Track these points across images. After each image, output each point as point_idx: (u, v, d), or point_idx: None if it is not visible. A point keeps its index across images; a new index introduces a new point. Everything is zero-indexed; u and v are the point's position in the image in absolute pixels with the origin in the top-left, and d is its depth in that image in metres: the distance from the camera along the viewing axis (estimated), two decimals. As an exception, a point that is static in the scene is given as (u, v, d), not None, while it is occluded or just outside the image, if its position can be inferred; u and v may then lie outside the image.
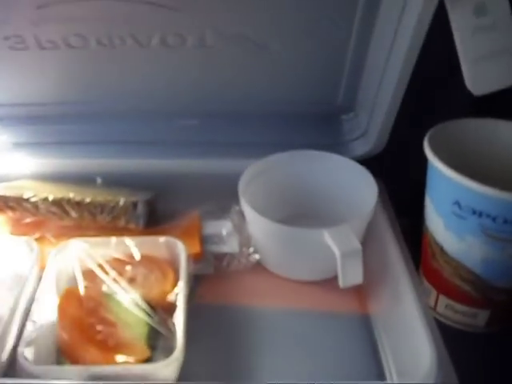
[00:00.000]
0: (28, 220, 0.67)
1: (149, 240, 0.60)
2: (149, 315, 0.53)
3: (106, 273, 0.56)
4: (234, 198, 0.65)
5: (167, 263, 0.59)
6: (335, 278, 0.57)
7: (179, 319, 0.51)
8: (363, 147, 0.72)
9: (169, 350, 0.49)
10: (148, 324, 0.53)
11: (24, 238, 0.60)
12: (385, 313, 0.57)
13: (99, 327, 0.51)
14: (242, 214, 0.65)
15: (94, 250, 0.58)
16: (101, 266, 0.57)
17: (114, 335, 0.50)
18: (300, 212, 0.65)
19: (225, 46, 0.65)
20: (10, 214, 0.66)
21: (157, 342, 0.52)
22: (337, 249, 0.55)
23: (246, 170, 0.64)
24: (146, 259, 0.59)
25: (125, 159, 0.71)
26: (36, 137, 0.75)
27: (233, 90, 0.71)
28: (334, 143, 0.72)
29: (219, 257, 0.63)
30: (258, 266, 0.63)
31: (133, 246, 0.59)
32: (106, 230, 0.64)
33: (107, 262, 0.58)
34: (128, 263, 0.58)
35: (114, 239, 0.59)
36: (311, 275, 0.63)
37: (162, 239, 0.60)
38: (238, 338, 0.56)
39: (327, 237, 0.56)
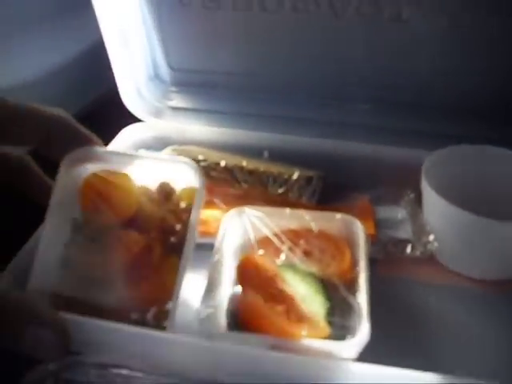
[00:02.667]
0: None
1: (324, 215, 0.54)
2: (327, 291, 0.47)
3: (282, 243, 0.50)
4: (404, 186, 0.58)
5: (343, 241, 0.52)
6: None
7: (362, 299, 0.45)
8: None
9: (344, 328, 0.44)
10: (327, 300, 0.47)
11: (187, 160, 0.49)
12: None
13: (279, 297, 0.44)
14: (415, 202, 0.57)
15: (268, 218, 0.53)
16: (276, 236, 0.51)
17: (295, 308, 0.44)
18: (478, 209, 0.57)
19: (419, 22, 0.60)
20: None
21: (333, 319, 0.46)
22: None
23: (429, 156, 0.58)
24: (322, 234, 0.53)
25: (296, 136, 0.65)
26: (211, 105, 0.71)
27: (417, 77, 0.64)
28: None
29: (392, 242, 0.55)
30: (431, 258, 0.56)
31: (309, 219, 0.51)
32: (275, 202, 0.58)
33: (282, 232, 0.52)
34: (303, 236, 0.52)
35: (288, 210, 0.54)
36: (487, 273, 0.55)
37: (338, 216, 0.53)
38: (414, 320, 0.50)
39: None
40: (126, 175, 0.48)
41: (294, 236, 0.52)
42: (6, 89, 0.65)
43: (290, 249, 0.50)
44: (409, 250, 0.55)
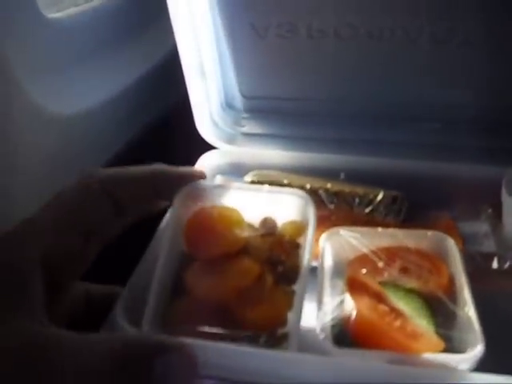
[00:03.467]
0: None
1: (416, 233, 0.55)
2: (431, 306, 0.49)
3: (379, 260, 0.52)
4: (481, 203, 0.60)
5: (438, 256, 0.54)
6: None
7: (471, 312, 0.47)
8: None
9: (456, 342, 0.46)
10: (433, 315, 0.48)
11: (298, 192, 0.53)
12: None
13: (391, 314, 0.46)
14: (495, 217, 0.59)
15: (362, 238, 0.54)
16: (374, 254, 0.52)
17: (409, 324, 0.45)
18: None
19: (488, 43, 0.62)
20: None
21: (443, 333, 0.47)
22: None
23: (508, 171, 0.59)
24: (417, 251, 0.54)
25: (369, 157, 0.66)
26: (283, 130, 0.73)
27: (485, 95, 0.65)
28: None
29: (480, 255, 0.56)
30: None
31: (402, 237, 0.53)
32: (361, 222, 0.60)
33: (377, 250, 0.54)
34: (398, 254, 0.54)
35: (380, 229, 0.55)
36: None
37: (430, 233, 0.55)
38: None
39: None
40: (235, 210, 0.50)
41: (390, 254, 0.53)
42: (75, 114, 0.68)
43: (388, 266, 0.52)
44: (495, 263, 0.56)
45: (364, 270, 0.52)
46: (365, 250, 0.53)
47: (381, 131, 0.69)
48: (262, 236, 0.50)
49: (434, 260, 0.54)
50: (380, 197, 0.60)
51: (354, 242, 0.54)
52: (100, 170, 0.49)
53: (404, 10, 0.61)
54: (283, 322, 0.45)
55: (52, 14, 0.69)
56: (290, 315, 0.45)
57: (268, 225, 0.51)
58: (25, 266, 0.40)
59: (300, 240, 0.50)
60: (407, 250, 0.54)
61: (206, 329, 0.45)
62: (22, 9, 0.60)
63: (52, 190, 0.47)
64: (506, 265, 0.55)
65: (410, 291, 0.51)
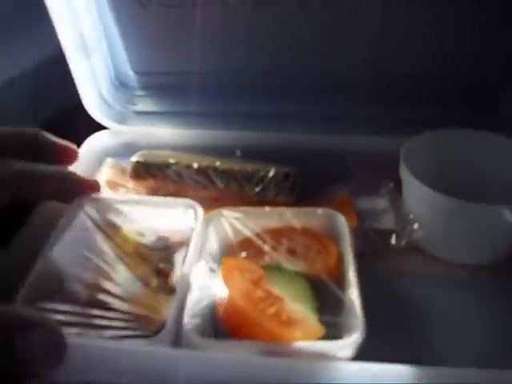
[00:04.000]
0: (169, 189, 0.58)
1: (305, 211, 0.51)
2: (316, 290, 0.45)
3: (264, 243, 0.47)
4: (382, 176, 0.56)
5: (327, 236, 0.50)
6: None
7: (355, 296, 0.42)
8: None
9: (338, 327, 0.42)
10: (317, 299, 0.44)
11: (187, 200, 0.52)
12: None
13: (268, 301, 0.41)
14: (395, 191, 0.55)
15: (247, 219, 0.50)
16: (257, 236, 0.48)
17: (286, 310, 0.41)
18: (459, 194, 0.55)
19: (377, 8, 0.59)
20: (152, 182, 0.58)
21: (325, 318, 0.43)
22: None
23: (405, 143, 0.56)
24: (305, 231, 0.50)
25: (266, 133, 0.62)
26: (176, 107, 0.69)
27: (383, 62, 0.63)
28: (491, 121, 0.62)
29: (376, 233, 0.53)
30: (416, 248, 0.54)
31: (289, 216, 0.49)
32: (252, 201, 0.55)
33: (263, 232, 0.49)
34: (285, 234, 0.50)
35: (267, 209, 0.51)
36: (475, 258, 0.53)
37: (319, 211, 0.51)
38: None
39: (509, 215, 0.47)
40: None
41: (276, 235, 0.50)
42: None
43: (273, 248, 0.48)
44: (393, 240, 0.52)
45: (244, 254, 0.47)
46: (249, 233, 0.49)
47: (276, 105, 0.65)
48: (154, 246, 0.52)
49: (323, 239, 0.50)
50: (271, 174, 0.55)
51: (237, 224, 0.49)
52: None
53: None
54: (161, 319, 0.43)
55: None
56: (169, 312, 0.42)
57: (159, 242, 0.52)
58: None
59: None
60: (294, 230, 0.50)
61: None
62: None
63: None
64: (403, 242, 0.52)
65: (295, 275, 0.46)
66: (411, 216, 0.53)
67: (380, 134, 0.60)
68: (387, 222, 0.54)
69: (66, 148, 0.53)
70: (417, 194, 0.52)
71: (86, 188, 0.51)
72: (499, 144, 0.57)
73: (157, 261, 0.50)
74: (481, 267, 0.53)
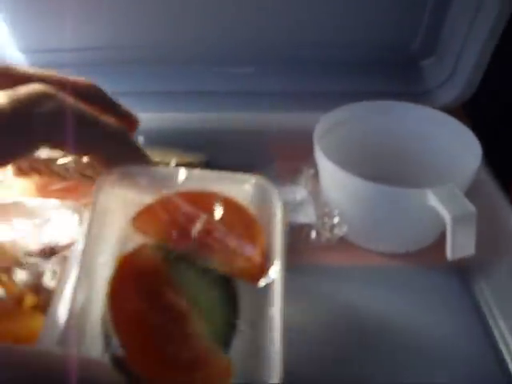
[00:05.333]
0: (57, 186, 0.50)
1: (230, 178, 0.35)
2: (229, 298, 0.33)
3: (171, 227, 0.33)
4: (301, 159, 0.49)
5: (255, 220, 0.34)
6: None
7: (276, 314, 0.31)
8: (448, 95, 0.57)
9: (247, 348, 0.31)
10: (234, 310, 0.33)
11: (71, 203, 0.44)
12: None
13: (168, 328, 0.32)
14: (316, 179, 0.49)
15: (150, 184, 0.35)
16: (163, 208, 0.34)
17: (188, 344, 0.31)
18: (381, 171, 0.49)
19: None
20: (36, 177, 0.49)
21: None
22: (447, 212, 0.41)
23: (320, 120, 0.49)
24: (229, 205, 0.34)
25: (169, 113, 0.54)
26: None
27: (298, 31, 0.55)
28: (415, 91, 0.58)
29: (294, 228, 0.46)
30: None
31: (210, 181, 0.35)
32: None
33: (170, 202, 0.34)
34: (203, 206, 0.34)
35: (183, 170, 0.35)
36: (401, 247, 0.49)
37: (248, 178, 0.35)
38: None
39: (433, 198, 0.42)
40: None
41: (187, 216, 0.34)
42: None
43: (184, 230, 0.33)
44: (313, 235, 0.46)
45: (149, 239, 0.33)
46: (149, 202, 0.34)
47: (179, 81, 0.57)
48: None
49: (251, 223, 0.34)
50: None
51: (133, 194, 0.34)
52: None
53: None
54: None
55: None
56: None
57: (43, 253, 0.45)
58: None
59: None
60: (215, 200, 0.34)
61: None
62: None
63: None
64: (323, 237, 0.45)
65: (210, 277, 0.33)
66: (332, 208, 0.46)
67: (297, 110, 0.54)
68: (307, 214, 0.48)
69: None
70: (333, 179, 0.47)
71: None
72: (421, 114, 0.52)
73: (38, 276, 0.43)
74: (403, 255, 0.49)
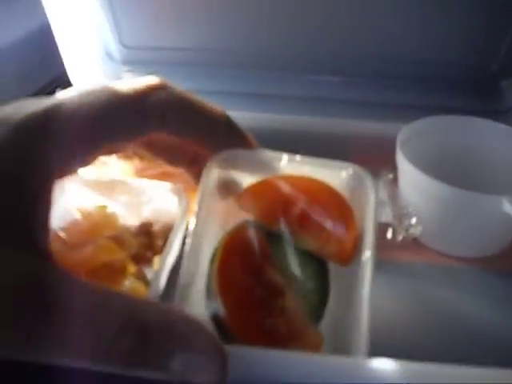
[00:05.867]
0: (155, 170, 0.55)
1: (326, 164, 0.38)
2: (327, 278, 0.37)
3: (272, 207, 0.37)
4: (381, 166, 0.52)
5: (348, 206, 0.37)
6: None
7: (365, 294, 0.34)
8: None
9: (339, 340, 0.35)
10: (324, 290, 0.36)
11: (171, 185, 0.49)
12: None
13: (268, 304, 0.35)
14: (394, 183, 0.52)
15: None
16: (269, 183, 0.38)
17: (286, 317, 0.35)
18: (456, 181, 0.52)
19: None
20: (137, 162, 0.54)
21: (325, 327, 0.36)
22: None
23: (403, 128, 0.53)
24: (323, 191, 0.38)
25: (263, 113, 0.59)
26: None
27: (385, 46, 0.59)
28: (492, 109, 0.60)
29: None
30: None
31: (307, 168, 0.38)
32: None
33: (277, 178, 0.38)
34: (302, 191, 0.37)
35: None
36: (472, 250, 0.52)
37: (345, 166, 0.38)
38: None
39: (507, 205, 0.45)
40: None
41: (291, 188, 0.38)
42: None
43: (285, 210, 0.37)
44: (390, 234, 0.49)
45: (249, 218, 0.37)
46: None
47: (276, 85, 0.62)
48: (135, 235, 0.48)
49: (345, 210, 0.37)
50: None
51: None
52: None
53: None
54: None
55: None
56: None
57: (143, 228, 0.50)
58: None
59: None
60: (312, 187, 0.37)
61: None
62: None
63: None
64: (400, 237, 0.49)
65: (306, 256, 0.37)
66: (409, 209, 0.50)
67: (379, 119, 0.57)
68: (385, 215, 0.51)
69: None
70: (413, 182, 0.50)
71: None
72: (498, 132, 0.55)
73: (136, 247, 0.47)
74: (479, 259, 0.51)
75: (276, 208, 0.37)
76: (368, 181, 0.38)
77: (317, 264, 0.37)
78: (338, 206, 0.38)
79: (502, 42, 0.58)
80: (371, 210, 0.37)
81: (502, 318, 0.46)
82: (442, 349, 0.44)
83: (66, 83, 0.63)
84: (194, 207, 0.37)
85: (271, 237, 0.37)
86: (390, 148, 0.52)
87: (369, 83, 0.61)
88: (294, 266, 0.36)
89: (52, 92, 0.68)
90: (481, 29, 0.58)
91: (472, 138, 0.55)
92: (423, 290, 0.49)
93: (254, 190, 0.38)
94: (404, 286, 0.49)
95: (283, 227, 0.37)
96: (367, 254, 0.35)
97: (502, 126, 0.55)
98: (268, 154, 0.39)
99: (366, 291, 0.34)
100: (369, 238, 0.36)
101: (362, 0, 0.56)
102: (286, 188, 0.38)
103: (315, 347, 0.35)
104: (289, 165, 0.38)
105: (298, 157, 0.38)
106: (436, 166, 0.53)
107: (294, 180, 0.38)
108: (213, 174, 0.38)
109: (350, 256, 0.36)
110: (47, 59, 0.65)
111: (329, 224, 0.37)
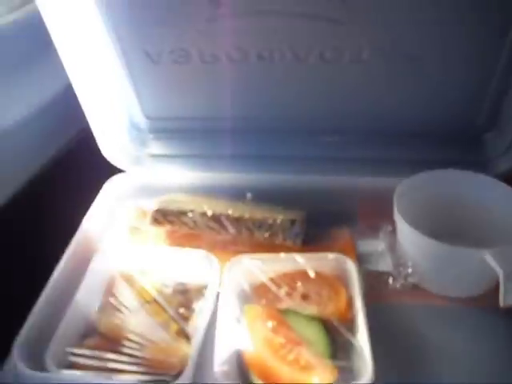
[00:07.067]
0: (183, 232, 0.64)
1: (317, 256, 0.57)
2: (329, 332, 0.51)
3: (279, 288, 0.55)
4: (381, 217, 0.62)
5: (337, 280, 0.56)
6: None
7: (363, 339, 0.48)
8: (506, 165, 0.67)
9: (349, 370, 0.48)
10: (331, 343, 0.50)
11: (203, 252, 0.59)
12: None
13: (288, 346, 0.48)
14: (393, 235, 0.61)
15: (265, 265, 0.56)
16: (273, 281, 0.55)
17: (303, 354, 0.48)
18: (448, 229, 0.60)
19: (379, 61, 0.63)
20: (168, 227, 0.63)
21: (338, 362, 0.49)
22: (499, 269, 0.51)
23: (398, 186, 0.61)
24: (317, 276, 0.56)
25: (273, 174, 0.68)
26: (189, 150, 0.74)
27: (379, 107, 0.67)
28: (476, 160, 0.67)
29: (374, 275, 0.59)
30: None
31: (302, 261, 0.56)
32: (261, 246, 0.62)
33: (279, 277, 0.56)
34: (299, 279, 0.56)
35: (282, 255, 0.57)
36: (462, 292, 0.59)
37: (331, 256, 0.57)
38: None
39: (489, 258, 0.52)
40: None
41: (291, 280, 0.56)
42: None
43: (289, 294, 0.54)
44: (390, 281, 0.58)
45: (264, 301, 0.54)
46: (266, 279, 0.55)
47: (280, 147, 0.70)
48: (173, 293, 0.58)
49: (334, 284, 0.55)
50: (279, 221, 0.61)
51: (256, 270, 0.55)
52: None
53: (292, 32, 0.60)
54: (181, 362, 0.50)
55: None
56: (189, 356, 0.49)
57: (178, 289, 0.59)
58: None
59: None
60: (307, 274, 0.56)
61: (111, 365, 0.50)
62: None
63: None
64: (399, 284, 0.57)
65: (310, 318, 0.52)
66: (406, 260, 0.58)
67: (382, 175, 0.65)
68: (385, 264, 0.60)
69: None
70: (408, 237, 0.58)
71: None
72: (483, 183, 0.62)
73: (175, 307, 0.56)
74: (465, 298, 0.59)
75: (283, 291, 0.56)
76: (349, 262, 0.57)
77: (321, 323, 0.52)
78: (330, 283, 0.56)
79: (484, 100, 0.66)
80: (356, 281, 0.54)
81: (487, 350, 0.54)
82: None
83: (90, 137, 0.70)
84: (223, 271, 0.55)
85: (285, 311, 0.53)
86: (389, 201, 0.60)
87: (364, 141, 0.69)
88: (305, 326, 0.52)
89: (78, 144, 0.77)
90: (465, 89, 0.65)
91: (461, 189, 0.63)
92: (419, 327, 0.56)
93: (266, 283, 0.57)
94: (402, 326, 0.56)
95: (291, 304, 0.54)
96: (359, 312, 0.51)
97: (486, 178, 0.62)
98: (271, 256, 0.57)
99: (364, 337, 0.49)
100: (358, 302, 0.52)
101: (358, 68, 0.63)
102: (288, 279, 0.57)
103: (330, 379, 0.47)
104: (288, 262, 0.57)
105: (297, 256, 0.57)
106: (430, 216, 0.61)
107: (293, 273, 0.57)
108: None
109: (346, 313, 0.53)
110: (72, 115, 0.73)
111: (325, 296, 0.55)
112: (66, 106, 0.75)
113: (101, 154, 0.72)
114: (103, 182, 0.72)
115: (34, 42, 0.78)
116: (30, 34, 0.77)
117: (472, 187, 0.63)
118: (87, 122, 0.69)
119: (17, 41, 0.78)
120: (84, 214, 0.68)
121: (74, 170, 0.75)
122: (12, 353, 0.51)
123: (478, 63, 0.62)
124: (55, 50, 0.63)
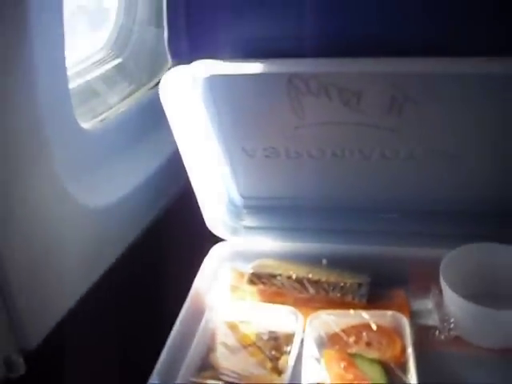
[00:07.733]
0: (273, 291, 0.83)
1: (379, 313, 0.74)
2: (387, 373, 0.67)
3: (349, 337, 0.72)
4: (430, 280, 0.78)
5: (394, 332, 0.72)
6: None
7: (413, 379, 0.65)
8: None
9: None
10: (389, 380, 0.66)
11: (290, 308, 0.77)
12: None
13: (355, 381, 0.65)
14: (440, 296, 0.77)
15: (338, 319, 0.74)
16: (344, 332, 0.72)
17: None
18: (489, 295, 0.76)
19: (427, 158, 0.80)
20: (261, 287, 0.82)
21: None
22: None
23: (445, 257, 0.77)
24: (378, 327, 0.73)
25: (343, 245, 0.86)
26: (276, 223, 0.93)
27: (428, 193, 0.85)
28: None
29: (423, 329, 0.75)
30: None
31: (367, 317, 0.73)
32: (334, 304, 0.79)
33: (348, 328, 0.73)
34: (364, 330, 0.73)
35: (352, 311, 0.75)
36: (500, 343, 0.73)
37: (389, 313, 0.74)
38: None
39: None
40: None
41: (358, 331, 0.73)
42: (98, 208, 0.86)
43: (356, 342, 0.71)
44: (437, 334, 0.74)
45: (337, 347, 0.71)
46: (338, 330, 0.73)
47: (352, 222, 0.88)
48: (268, 339, 0.75)
49: (391, 335, 0.72)
50: (348, 284, 0.78)
51: (331, 323, 0.73)
52: None
53: (359, 136, 0.79)
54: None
55: (87, 121, 0.90)
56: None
57: (271, 336, 0.75)
58: None
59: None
60: (371, 327, 0.73)
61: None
62: (63, 122, 0.80)
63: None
64: (443, 336, 0.74)
65: (372, 361, 0.69)
66: (450, 316, 0.74)
67: (431, 246, 0.81)
68: (433, 319, 0.76)
69: None
70: (453, 301, 0.74)
71: None
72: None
73: (269, 349, 0.73)
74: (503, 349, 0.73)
75: (350, 340, 0.72)
76: (404, 319, 0.73)
77: (381, 365, 0.68)
78: (388, 335, 0.72)
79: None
80: (408, 334, 0.70)
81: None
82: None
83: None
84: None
85: (353, 355, 0.69)
86: (437, 267, 0.76)
87: (416, 218, 0.85)
88: (369, 368, 0.68)
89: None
90: (504, 176, 0.81)
91: (498, 261, 0.79)
92: (460, 372, 0.71)
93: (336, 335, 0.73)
94: (446, 370, 0.71)
95: (358, 349, 0.71)
96: (411, 355, 0.67)
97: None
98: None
99: (414, 378, 0.64)
100: (410, 348, 0.68)
101: (411, 163, 0.81)
102: (355, 330, 0.74)
103: None
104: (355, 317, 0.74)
105: (362, 312, 0.73)
106: (472, 282, 0.77)
107: (358, 325, 0.74)
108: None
109: (401, 358, 0.69)
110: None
111: (384, 344, 0.71)
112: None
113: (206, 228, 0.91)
114: (209, 248, 0.91)
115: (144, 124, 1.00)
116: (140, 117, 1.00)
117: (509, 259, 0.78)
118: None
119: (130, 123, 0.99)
120: (191, 272, 0.87)
121: (184, 238, 0.95)
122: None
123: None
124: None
